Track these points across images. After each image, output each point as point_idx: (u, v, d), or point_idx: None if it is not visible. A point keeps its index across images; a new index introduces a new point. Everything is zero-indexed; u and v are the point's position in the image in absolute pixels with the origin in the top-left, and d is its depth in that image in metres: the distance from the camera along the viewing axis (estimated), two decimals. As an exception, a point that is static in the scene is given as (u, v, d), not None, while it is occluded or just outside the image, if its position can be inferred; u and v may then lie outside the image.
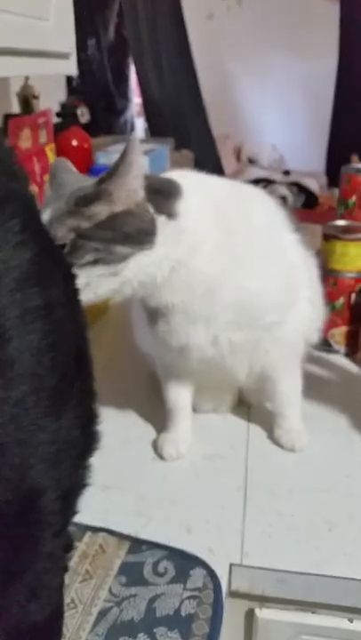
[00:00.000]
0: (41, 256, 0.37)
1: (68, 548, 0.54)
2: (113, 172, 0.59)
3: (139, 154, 0.59)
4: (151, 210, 0.61)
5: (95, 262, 0.60)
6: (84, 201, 0.60)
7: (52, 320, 0.37)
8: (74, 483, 0.45)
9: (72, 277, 0.45)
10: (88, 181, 0.63)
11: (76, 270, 0.58)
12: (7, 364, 0.34)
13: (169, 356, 0.73)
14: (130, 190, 0.60)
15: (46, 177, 1.10)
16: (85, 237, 0.59)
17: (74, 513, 0.47)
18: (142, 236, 0.61)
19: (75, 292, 0.45)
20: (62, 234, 0.59)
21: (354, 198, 1.01)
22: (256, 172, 2.50)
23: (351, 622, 0.62)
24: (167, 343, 0.70)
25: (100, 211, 0.60)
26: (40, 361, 0.36)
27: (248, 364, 0.74)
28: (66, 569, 0.54)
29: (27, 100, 1.40)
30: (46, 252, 0.39)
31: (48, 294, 0.37)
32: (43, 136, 1.09)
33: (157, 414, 0.83)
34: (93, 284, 0.61)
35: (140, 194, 0.61)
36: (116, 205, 0.60)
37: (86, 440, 0.47)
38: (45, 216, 0.60)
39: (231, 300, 0.67)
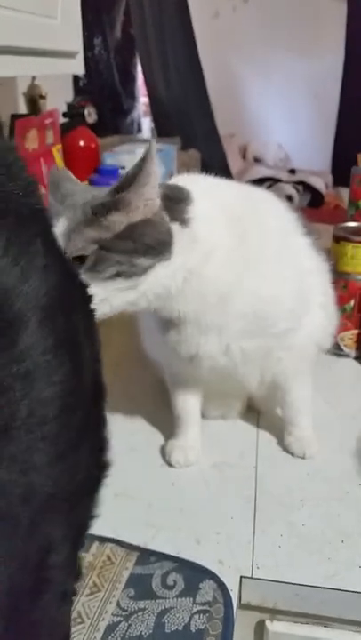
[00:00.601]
0: (64, 280, 0.35)
1: (78, 576, 0.52)
2: (131, 181, 0.57)
3: (156, 162, 0.58)
4: (167, 218, 0.60)
5: (116, 275, 0.58)
6: (103, 210, 0.58)
7: (76, 349, 0.36)
8: (87, 519, 0.44)
9: (89, 299, 0.44)
10: (99, 191, 0.62)
11: (96, 284, 0.56)
12: (39, 403, 0.33)
13: (179, 364, 0.72)
14: (148, 200, 0.58)
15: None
16: (107, 249, 0.58)
17: (83, 544, 0.46)
18: (161, 247, 0.59)
19: (92, 314, 0.44)
20: (81, 245, 0.57)
21: (365, 200, 1.00)
22: (262, 171, 2.49)
23: (365, 637, 0.61)
24: (178, 352, 0.68)
25: (119, 220, 0.58)
26: (71, 393, 0.35)
27: (260, 373, 0.73)
28: (74, 593, 0.53)
29: (34, 100, 1.39)
30: (67, 274, 0.37)
31: (72, 321, 0.36)
32: (50, 137, 1.08)
33: (165, 420, 0.81)
34: (111, 297, 0.59)
35: (158, 203, 0.59)
36: (134, 215, 0.58)
37: (100, 471, 0.46)
38: (60, 227, 0.58)
39: (244, 309, 0.65)
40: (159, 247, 0.59)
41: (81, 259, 0.58)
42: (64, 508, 0.38)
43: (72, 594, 0.48)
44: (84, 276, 0.56)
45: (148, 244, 0.59)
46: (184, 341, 0.67)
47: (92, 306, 0.44)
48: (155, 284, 0.61)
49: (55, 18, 0.95)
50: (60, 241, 0.53)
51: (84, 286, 0.44)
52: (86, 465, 0.40)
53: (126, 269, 0.58)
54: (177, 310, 0.64)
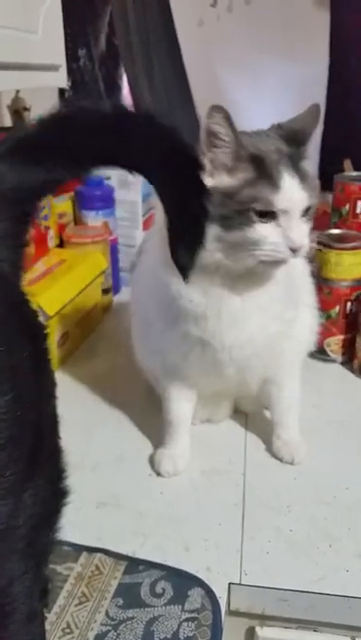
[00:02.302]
0: (7, 314, 0.36)
1: (44, 593, 0.53)
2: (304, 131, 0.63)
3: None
4: None
5: None
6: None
7: (19, 381, 0.37)
8: (48, 546, 0.45)
9: (41, 333, 0.45)
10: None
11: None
12: None
13: (195, 361, 0.71)
14: None
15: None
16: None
17: (47, 565, 0.46)
18: None
19: (44, 352, 0.45)
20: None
21: (348, 207, 1.01)
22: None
23: (354, 640, 0.61)
24: (208, 343, 0.68)
25: None
26: (14, 423, 0.35)
27: (264, 367, 0.74)
28: (46, 605, 0.53)
29: (18, 112, 1.40)
30: (11, 309, 0.38)
31: (14, 354, 0.36)
32: (34, 149, 1.08)
33: (154, 428, 0.82)
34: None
35: None
36: None
37: (58, 500, 0.46)
38: (291, 177, 0.60)
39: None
40: None
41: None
42: (21, 545, 0.38)
43: (41, 610, 0.49)
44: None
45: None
46: (224, 329, 0.67)
47: (45, 341, 0.45)
48: None
49: (36, 33, 0.96)
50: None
51: (37, 326, 0.45)
52: (42, 497, 0.41)
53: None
54: None
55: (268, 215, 0.59)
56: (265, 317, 0.67)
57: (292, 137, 0.63)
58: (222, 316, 0.66)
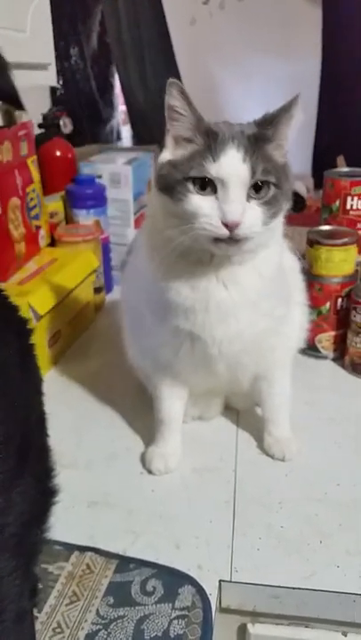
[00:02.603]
0: None
1: (34, 592, 0.53)
2: (275, 116, 0.61)
3: (299, 109, 0.61)
4: None
5: (272, 214, 0.61)
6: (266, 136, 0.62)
7: (6, 379, 0.36)
8: (37, 545, 0.45)
9: (27, 333, 0.44)
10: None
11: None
12: None
13: (185, 357, 0.71)
14: (285, 140, 0.63)
15: (29, 189, 1.09)
16: (277, 186, 0.61)
17: (36, 564, 0.46)
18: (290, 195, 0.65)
19: (29, 348, 0.44)
20: (268, 168, 0.60)
21: (338, 203, 1.01)
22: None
23: (345, 636, 0.61)
24: (198, 337, 0.68)
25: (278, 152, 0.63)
26: (1, 422, 0.35)
27: (255, 364, 0.74)
28: (35, 604, 0.53)
29: (9, 112, 1.39)
30: None
31: (1, 354, 0.36)
32: (24, 148, 1.08)
33: (145, 426, 0.82)
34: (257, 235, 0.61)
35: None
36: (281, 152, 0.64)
37: (47, 498, 0.46)
38: (233, 149, 0.59)
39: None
40: (290, 197, 0.63)
41: (255, 187, 0.59)
42: (11, 542, 0.38)
43: (31, 610, 0.48)
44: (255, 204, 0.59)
45: (289, 190, 0.63)
46: (214, 322, 0.66)
47: (30, 337, 0.44)
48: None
49: (24, 31, 0.96)
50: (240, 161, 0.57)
51: (22, 322, 0.44)
52: (31, 495, 0.41)
53: (279, 212, 0.62)
54: None
55: (208, 188, 0.58)
56: (255, 313, 0.67)
57: (263, 120, 0.62)
58: (210, 310, 0.66)
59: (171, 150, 0.62)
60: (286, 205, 0.63)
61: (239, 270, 0.65)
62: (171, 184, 0.60)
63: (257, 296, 0.67)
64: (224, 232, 0.58)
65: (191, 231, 0.59)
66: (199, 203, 0.58)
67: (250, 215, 0.58)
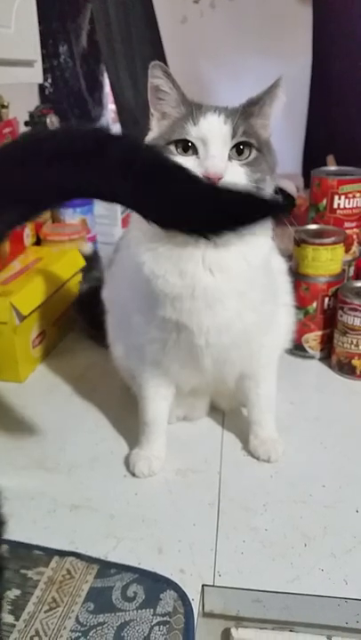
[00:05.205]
0: None
1: None
2: (260, 97, 0.64)
3: (283, 90, 0.65)
4: None
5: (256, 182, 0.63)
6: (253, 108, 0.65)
7: None
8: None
9: None
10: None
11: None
12: None
13: (173, 349, 0.70)
14: (268, 120, 0.66)
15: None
16: (259, 150, 0.64)
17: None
18: (274, 173, 0.68)
19: None
20: (249, 131, 0.63)
21: (325, 202, 1.00)
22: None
23: (330, 640, 0.61)
24: (185, 326, 0.67)
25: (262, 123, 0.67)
26: None
27: (241, 362, 0.74)
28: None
29: (-6, 109, 1.38)
30: None
31: None
32: (9, 146, 1.07)
33: (130, 429, 0.81)
34: None
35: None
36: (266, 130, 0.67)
37: None
38: (214, 116, 0.62)
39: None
40: (274, 173, 0.65)
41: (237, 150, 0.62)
42: None
43: None
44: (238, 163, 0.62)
45: (272, 164, 0.65)
46: (201, 310, 0.66)
47: None
48: None
49: (9, 27, 0.94)
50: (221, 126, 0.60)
51: None
52: None
53: (262, 180, 0.63)
54: None
55: (190, 150, 0.61)
56: (242, 303, 0.66)
57: (249, 102, 0.65)
58: (197, 296, 0.65)
59: (156, 127, 0.65)
60: (270, 181, 0.64)
61: (226, 255, 0.65)
62: None
63: (244, 284, 0.66)
64: None
65: None
66: (182, 163, 0.59)
67: (232, 172, 0.61)
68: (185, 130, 0.61)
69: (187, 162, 0.60)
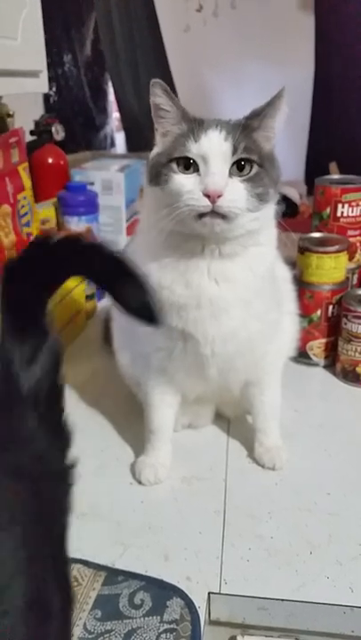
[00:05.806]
0: None
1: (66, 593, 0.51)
2: (263, 109, 0.64)
3: (285, 102, 0.64)
4: None
5: (259, 197, 0.63)
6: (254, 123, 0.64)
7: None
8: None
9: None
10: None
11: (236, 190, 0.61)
12: None
13: (179, 357, 0.71)
14: (272, 131, 0.65)
15: (20, 196, 1.09)
16: (261, 166, 0.63)
17: None
18: (277, 185, 0.68)
19: None
20: (251, 146, 0.62)
21: (328, 210, 1.01)
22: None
23: (335, 647, 0.61)
24: (192, 336, 0.68)
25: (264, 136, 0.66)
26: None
27: (246, 369, 0.74)
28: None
29: (1, 118, 1.39)
30: None
31: None
32: (15, 155, 1.08)
33: (135, 436, 0.81)
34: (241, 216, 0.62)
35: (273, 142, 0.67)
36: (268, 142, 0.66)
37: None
38: (215, 132, 0.61)
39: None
40: (278, 184, 0.65)
41: (238, 166, 0.61)
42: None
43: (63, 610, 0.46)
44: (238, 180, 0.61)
45: (275, 177, 0.64)
46: (206, 319, 0.66)
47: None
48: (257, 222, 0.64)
49: (15, 39, 0.96)
50: (222, 142, 0.60)
51: None
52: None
53: (264, 194, 0.62)
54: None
55: (191, 168, 0.61)
56: (247, 312, 0.67)
57: (251, 114, 0.65)
58: (202, 306, 0.66)
59: (160, 143, 0.65)
60: (274, 194, 0.64)
61: (231, 266, 0.65)
62: (157, 170, 0.63)
63: (249, 294, 0.67)
64: (206, 203, 0.59)
65: (177, 211, 0.61)
66: (182, 181, 0.61)
67: (232, 189, 0.60)
68: (186, 147, 0.61)
69: (188, 180, 0.60)
